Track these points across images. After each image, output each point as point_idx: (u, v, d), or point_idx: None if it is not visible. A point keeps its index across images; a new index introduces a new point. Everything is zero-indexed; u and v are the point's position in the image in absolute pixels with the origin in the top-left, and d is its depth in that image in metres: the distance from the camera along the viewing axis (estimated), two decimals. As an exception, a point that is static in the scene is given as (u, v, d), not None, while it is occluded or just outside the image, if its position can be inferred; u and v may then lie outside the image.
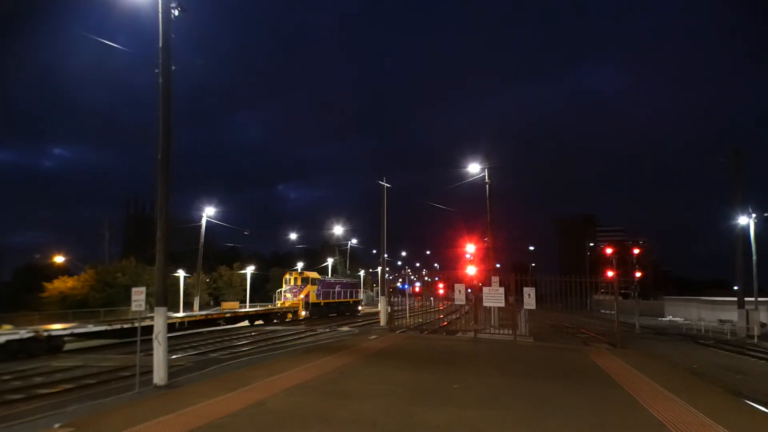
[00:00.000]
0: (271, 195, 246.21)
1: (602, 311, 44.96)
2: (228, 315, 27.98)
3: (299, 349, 15.60)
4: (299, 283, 35.24)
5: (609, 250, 36.58)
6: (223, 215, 40.65)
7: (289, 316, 33.16)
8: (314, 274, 37.59)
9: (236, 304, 39.36)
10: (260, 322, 30.17)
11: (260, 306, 39.24)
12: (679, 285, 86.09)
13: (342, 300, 40.17)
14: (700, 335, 26.97)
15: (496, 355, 13.78)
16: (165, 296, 9.64)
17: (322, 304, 36.28)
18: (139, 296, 9.27)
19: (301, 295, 34.51)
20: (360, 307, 44.76)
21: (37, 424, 6.78)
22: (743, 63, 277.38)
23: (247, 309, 34.76)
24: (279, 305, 34.84)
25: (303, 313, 34.05)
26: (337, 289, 39.62)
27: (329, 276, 52.96)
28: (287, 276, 36.81)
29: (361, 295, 47.21)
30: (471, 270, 25.95)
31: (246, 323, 29.42)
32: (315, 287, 35.54)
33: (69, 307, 31.26)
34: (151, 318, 9.78)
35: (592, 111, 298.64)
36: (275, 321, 30.85)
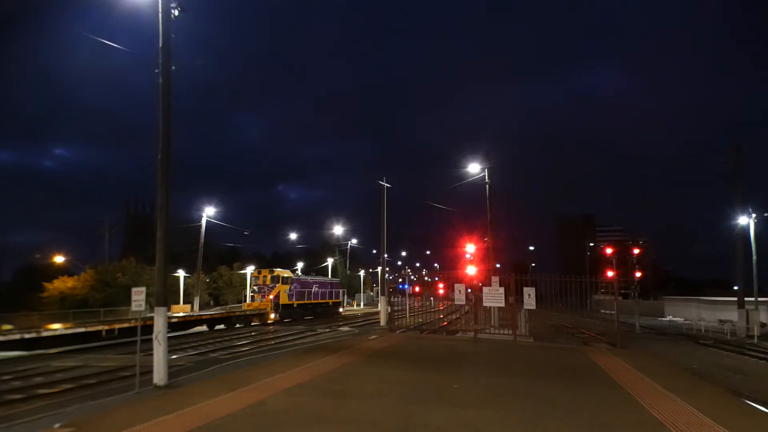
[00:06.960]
0: (271, 195, 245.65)
1: (602, 311, 44.98)
2: (174, 320, 22.69)
3: (299, 349, 15.60)
4: (269, 282, 31.60)
5: (609, 250, 36.48)
6: (223, 215, 40.59)
7: (255, 320, 29.29)
8: (287, 272, 33.92)
9: (187, 307, 35.30)
10: (222, 326, 26.85)
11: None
12: (679, 285, 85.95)
13: (319, 301, 37.12)
14: (700, 335, 26.95)
15: (496, 355, 13.77)
16: (165, 296, 9.65)
17: (294, 305, 32.88)
18: (139, 296, 9.29)
19: (271, 296, 30.87)
20: (341, 309, 41.82)
21: (37, 424, 6.77)
22: (744, 63, 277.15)
23: (200, 312, 30.80)
24: (245, 307, 31.73)
25: (272, 315, 30.36)
26: (314, 289, 36.38)
27: (328, 276, 52.92)
28: (255, 274, 33.32)
29: (342, 297, 43.81)
30: (471, 270, 25.93)
31: (204, 328, 25.84)
32: (287, 287, 32.09)
33: (69, 307, 31.30)
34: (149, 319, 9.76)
35: (592, 111, 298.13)
36: (237, 326, 27.44)
